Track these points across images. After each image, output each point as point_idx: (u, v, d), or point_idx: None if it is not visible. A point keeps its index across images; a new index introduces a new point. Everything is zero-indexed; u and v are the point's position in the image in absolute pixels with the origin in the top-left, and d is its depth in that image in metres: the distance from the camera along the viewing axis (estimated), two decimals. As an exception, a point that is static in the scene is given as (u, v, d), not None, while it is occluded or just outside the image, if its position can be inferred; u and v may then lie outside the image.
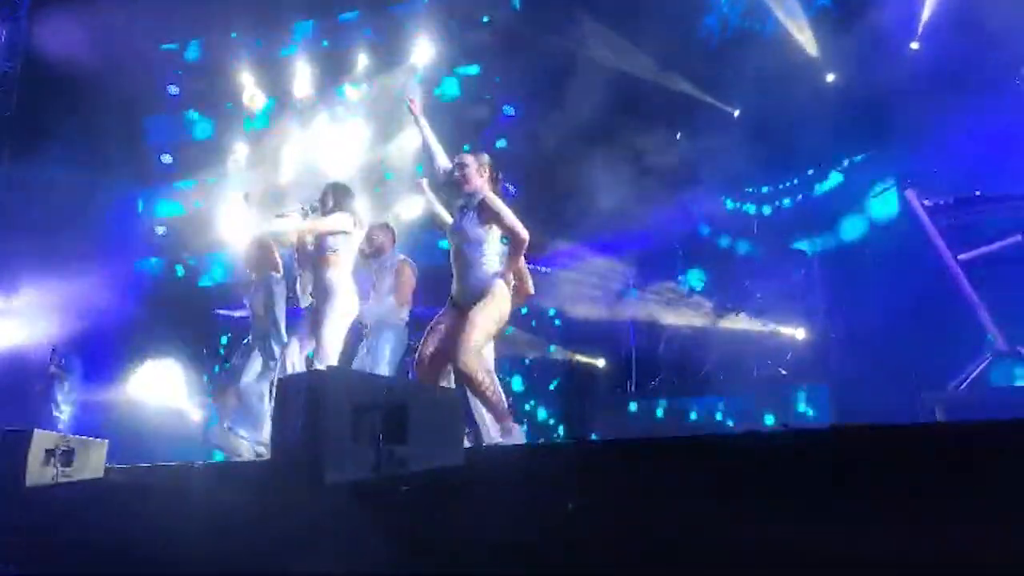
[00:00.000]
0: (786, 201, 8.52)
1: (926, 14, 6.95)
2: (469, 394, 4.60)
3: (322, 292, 4.92)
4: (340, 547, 2.39)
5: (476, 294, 4.16)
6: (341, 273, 4.95)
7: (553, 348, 8.40)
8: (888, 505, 1.94)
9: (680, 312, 7.64)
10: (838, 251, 7.61)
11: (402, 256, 5.91)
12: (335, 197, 5.11)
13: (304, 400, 2.61)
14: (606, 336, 8.20)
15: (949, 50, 6.58)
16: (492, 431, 4.46)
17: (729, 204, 8.86)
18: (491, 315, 4.09)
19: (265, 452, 4.97)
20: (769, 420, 6.01)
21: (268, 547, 2.53)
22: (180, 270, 9.90)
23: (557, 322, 8.67)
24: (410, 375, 7.06)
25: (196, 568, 2.67)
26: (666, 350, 7.59)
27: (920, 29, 7.00)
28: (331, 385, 2.60)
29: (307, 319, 5.10)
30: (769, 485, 2.16)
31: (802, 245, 7.47)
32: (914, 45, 7.04)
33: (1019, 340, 4.42)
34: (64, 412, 7.46)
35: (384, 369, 5.45)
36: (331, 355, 4.80)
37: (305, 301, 5.28)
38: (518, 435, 4.03)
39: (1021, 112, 5.74)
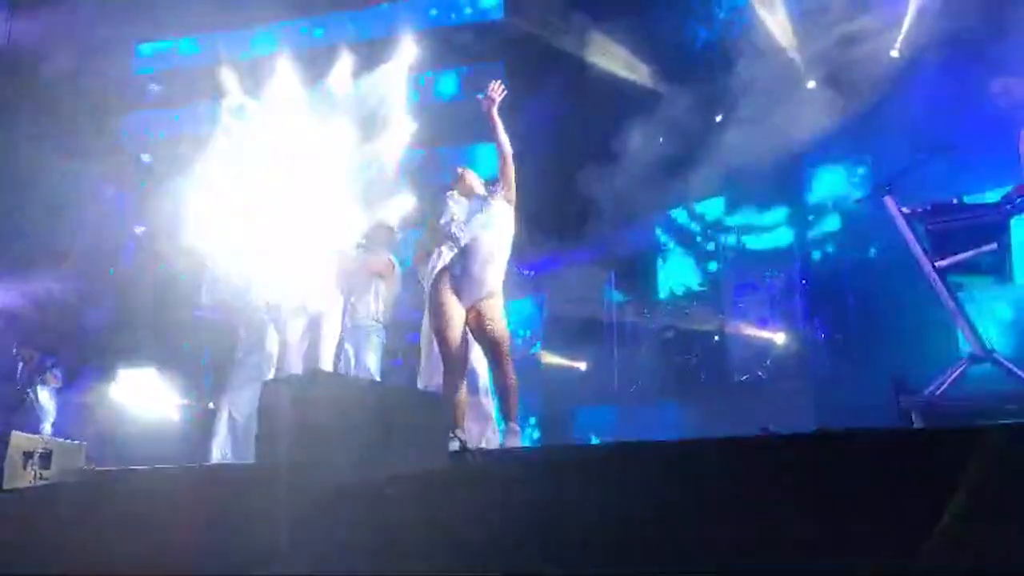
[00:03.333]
0: (768, 205, 8.60)
1: (907, 23, 7.05)
2: (471, 395, 4.63)
3: (321, 296, 4.96)
4: (324, 550, 2.38)
5: (487, 291, 4.26)
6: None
7: (535, 349, 8.41)
8: (866, 508, 1.96)
9: (663, 315, 7.70)
10: (818, 256, 7.70)
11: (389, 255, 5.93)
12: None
13: (288, 403, 2.60)
14: (588, 339, 8.23)
15: (929, 58, 6.69)
16: (488, 433, 4.50)
17: (710, 208, 8.93)
18: (503, 311, 4.28)
19: None
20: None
21: (251, 550, 2.52)
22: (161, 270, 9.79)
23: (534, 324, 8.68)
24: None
25: (177, 571, 2.65)
26: (648, 353, 7.63)
27: (901, 37, 7.11)
28: (315, 388, 2.59)
29: (296, 324, 5.07)
30: (752, 488, 2.19)
31: (783, 249, 7.55)
32: (894, 53, 7.14)
33: (995, 345, 4.48)
34: (45, 415, 7.35)
35: (367, 372, 5.45)
36: (329, 359, 4.85)
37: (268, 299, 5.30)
38: (518, 438, 4.08)
39: (999, 120, 5.83)
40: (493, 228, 4.33)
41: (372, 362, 5.55)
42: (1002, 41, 6.08)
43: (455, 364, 4.20)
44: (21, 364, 7.56)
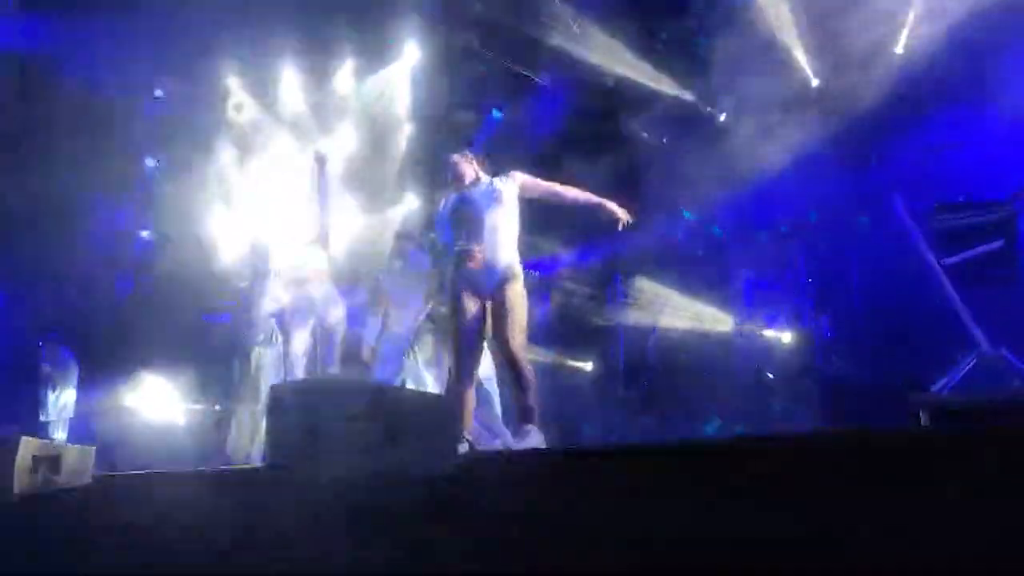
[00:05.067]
0: (775, 204, 8.57)
1: (911, 19, 7.02)
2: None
3: (333, 303, 5.04)
4: (334, 555, 2.38)
5: (502, 278, 4.10)
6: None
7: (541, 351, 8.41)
8: (871, 509, 1.96)
9: (668, 315, 7.69)
10: (825, 254, 7.67)
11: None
12: None
13: (298, 407, 2.61)
14: (595, 339, 8.23)
15: (934, 57, 6.66)
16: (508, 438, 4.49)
17: (715, 208, 8.91)
18: (523, 297, 4.09)
19: None
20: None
21: (260, 555, 2.52)
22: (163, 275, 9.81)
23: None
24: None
25: (184, 574, 2.66)
26: (653, 353, 7.63)
27: (905, 35, 7.08)
28: (325, 392, 2.60)
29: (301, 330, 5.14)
30: (760, 488, 2.19)
31: (790, 248, 7.53)
32: (899, 50, 7.12)
33: (1002, 343, 4.48)
34: (56, 416, 7.32)
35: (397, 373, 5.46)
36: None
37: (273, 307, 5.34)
38: (532, 439, 3.95)
39: (1003, 120, 5.82)
40: (494, 205, 4.19)
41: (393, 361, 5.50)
42: (1005, 42, 6.07)
43: (467, 363, 4.08)
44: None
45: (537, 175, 4.56)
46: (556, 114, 8.94)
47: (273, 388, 3.05)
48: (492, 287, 4.11)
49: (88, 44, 8.36)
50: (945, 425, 3.90)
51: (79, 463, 3.53)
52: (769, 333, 7.04)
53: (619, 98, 8.75)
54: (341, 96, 9.27)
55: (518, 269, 4.15)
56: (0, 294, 8.30)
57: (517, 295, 4.07)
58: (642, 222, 8.71)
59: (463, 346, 4.11)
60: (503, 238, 4.16)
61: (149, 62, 9.17)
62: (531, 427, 3.95)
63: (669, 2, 8.71)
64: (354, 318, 5.65)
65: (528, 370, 4.03)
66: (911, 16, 7.04)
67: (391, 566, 2.27)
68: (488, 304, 4.13)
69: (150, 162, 9.93)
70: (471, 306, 4.12)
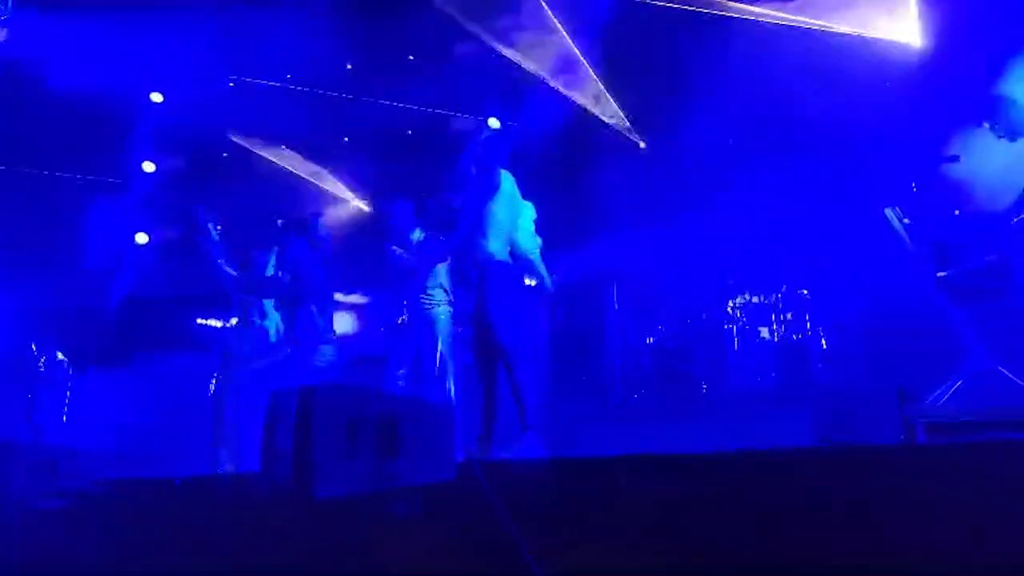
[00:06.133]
0: (770, 212, 8.59)
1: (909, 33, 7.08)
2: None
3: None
4: (328, 565, 2.38)
5: (483, 274, 4.08)
6: None
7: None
8: (866, 524, 1.96)
9: (666, 326, 7.69)
10: (819, 265, 7.70)
11: None
12: None
13: (295, 414, 2.60)
14: (588, 346, 8.22)
15: (933, 66, 6.71)
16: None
17: (712, 215, 8.93)
18: (505, 294, 4.03)
19: None
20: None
21: (255, 564, 2.51)
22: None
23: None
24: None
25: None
26: (649, 364, 7.64)
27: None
28: (322, 399, 2.59)
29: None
30: (755, 501, 2.19)
31: (784, 258, 7.55)
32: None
33: (997, 357, 4.49)
34: (50, 418, 7.30)
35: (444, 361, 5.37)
36: None
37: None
38: (531, 447, 3.93)
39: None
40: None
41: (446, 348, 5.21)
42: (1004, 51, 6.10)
43: (479, 371, 4.08)
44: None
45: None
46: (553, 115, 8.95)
47: (272, 394, 3.05)
48: (476, 299, 4.11)
49: (87, 47, 8.37)
50: (940, 440, 3.92)
51: (78, 469, 3.52)
52: (753, 341, 7.05)
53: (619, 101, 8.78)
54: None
55: (497, 266, 4.08)
56: None
57: (492, 305, 4.03)
58: (636, 232, 8.77)
59: (475, 359, 4.12)
60: (481, 241, 4.13)
61: (148, 67, 9.16)
62: (529, 435, 3.94)
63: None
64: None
65: (523, 378, 3.98)
66: (909, 29, 7.09)
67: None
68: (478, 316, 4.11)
69: (148, 166, 9.94)
70: (474, 320, 4.13)
